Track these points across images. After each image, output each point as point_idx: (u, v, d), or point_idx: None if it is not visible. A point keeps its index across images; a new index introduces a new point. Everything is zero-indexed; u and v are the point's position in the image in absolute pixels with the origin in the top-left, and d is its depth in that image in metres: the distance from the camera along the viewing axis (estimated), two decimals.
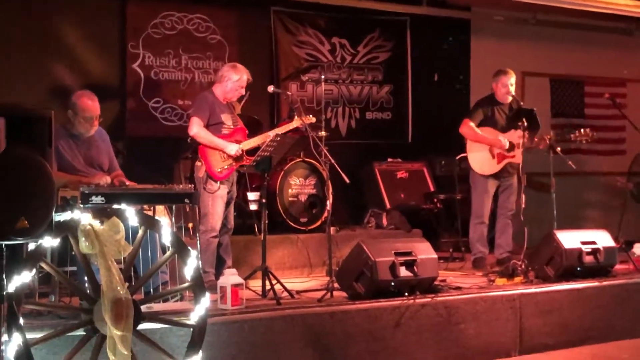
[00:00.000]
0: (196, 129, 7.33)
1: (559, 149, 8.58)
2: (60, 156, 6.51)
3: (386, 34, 11.13)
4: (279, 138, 7.23)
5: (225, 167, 7.37)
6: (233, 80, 7.51)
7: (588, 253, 7.82)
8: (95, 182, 6.29)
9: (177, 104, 9.67)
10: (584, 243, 7.85)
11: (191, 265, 5.12)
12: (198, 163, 7.44)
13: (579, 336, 7.46)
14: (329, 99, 10.66)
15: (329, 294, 6.83)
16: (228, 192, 7.46)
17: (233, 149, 7.35)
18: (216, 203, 7.32)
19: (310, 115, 7.95)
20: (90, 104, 6.74)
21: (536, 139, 8.54)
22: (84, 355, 4.92)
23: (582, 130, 8.84)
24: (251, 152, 7.51)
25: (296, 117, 7.80)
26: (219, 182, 7.34)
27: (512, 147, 8.52)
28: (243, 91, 7.63)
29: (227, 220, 7.54)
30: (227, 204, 7.51)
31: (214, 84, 7.73)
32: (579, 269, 7.77)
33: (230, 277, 6.39)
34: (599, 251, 7.86)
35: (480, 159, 8.65)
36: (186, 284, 5.22)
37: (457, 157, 9.37)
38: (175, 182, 8.51)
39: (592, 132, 8.84)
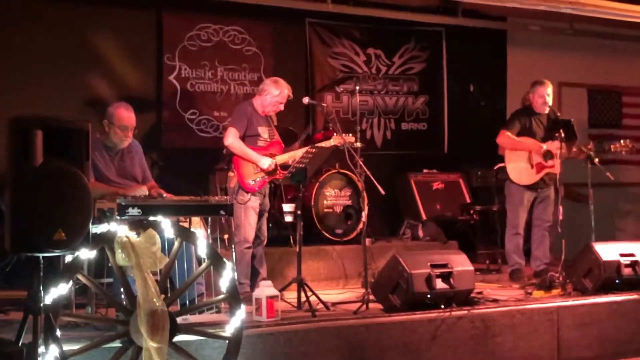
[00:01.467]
0: (231, 139, 7.35)
1: (597, 160, 8.50)
2: (94, 167, 6.55)
3: (421, 44, 11.09)
4: (314, 150, 7.22)
5: (257, 179, 7.38)
6: (273, 95, 7.52)
7: (627, 265, 7.73)
8: (131, 194, 6.31)
9: (212, 115, 9.70)
10: (622, 255, 7.77)
11: (226, 277, 5.13)
12: (231, 174, 7.47)
13: (617, 350, 7.37)
14: (364, 110, 10.64)
15: (364, 306, 6.80)
16: (260, 204, 7.47)
17: (266, 162, 7.36)
18: (248, 214, 7.33)
19: (350, 135, 7.89)
20: (127, 114, 6.79)
21: (575, 150, 8.47)
22: None
23: (621, 141, 8.76)
24: (285, 166, 7.51)
25: (335, 134, 7.75)
26: (249, 194, 7.34)
27: (550, 155, 8.45)
28: (282, 107, 7.65)
29: (260, 232, 7.54)
30: (260, 216, 7.51)
31: (254, 96, 7.74)
32: (617, 281, 7.69)
33: (265, 288, 6.39)
34: (638, 263, 7.78)
35: (518, 169, 8.58)
36: (222, 296, 5.24)
37: (495, 167, 9.32)
38: (210, 194, 8.58)
39: (631, 143, 8.75)
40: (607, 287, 7.64)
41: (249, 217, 7.33)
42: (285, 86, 7.60)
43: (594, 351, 7.26)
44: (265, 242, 7.67)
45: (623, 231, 11.75)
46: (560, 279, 7.66)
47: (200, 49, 9.65)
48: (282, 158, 7.54)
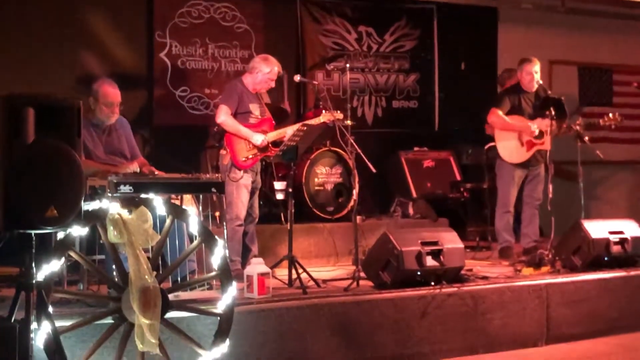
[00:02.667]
0: (223, 116, 7.35)
1: (586, 138, 8.52)
2: (82, 144, 6.54)
3: (413, 22, 11.09)
4: (305, 128, 7.23)
5: (250, 156, 7.38)
6: (264, 72, 7.52)
7: (615, 243, 7.77)
8: (122, 171, 6.32)
9: (203, 93, 9.69)
10: (611, 233, 7.80)
11: (218, 254, 5.15)
12: (223, 151, 7.47)
13: (606, 326, 7.41)
14: (355, 87, 10.64)
15: (355, 283, 6.84)
16: (252, 182, 7.48)
17: (259, 139, 7.36)
18: (240, 192, 7.34)
19: (339, 112, 7.91)
20: (112, 90, 6.78)
21: (564, 128, 8.49)
22: (112, 343, 4.97)
23: (610, 115, 8.76)
24: (276, 143, 7.52)
25: (324, 111, 7.76)
26: (242, 171, 7.35)
27: (540, 134, 8.47)
28: (273, 84, 7.64)
29: (252, 210, 7.56)
30: (252, 194, 7.53)
31: (244, 73, 7.73)
32: (606, 258, 7.73)
33: (257, 266, 6.41)
34: (626, 241, 7.82)
35: (509, 148, 8.60)
36: (213, 273, 5.25)
37: (486, 147, 9.35)
38: (201, 171, 8.60)
39: (620, 116, 8.76)
40: (596, 265, 7.68)
41: (240, 195, 7.34)
42: (275, 63, 7.59)
43: (583, 328, 7.30)
44: (257, 219, 7.69)
45: (612, 209, 11.80)
46: (550, 256, 7.69)
47: (191, 26, 9.64)
48: (273, 135, 7.54)
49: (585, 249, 7.69)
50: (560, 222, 7.96)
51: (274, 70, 7.55)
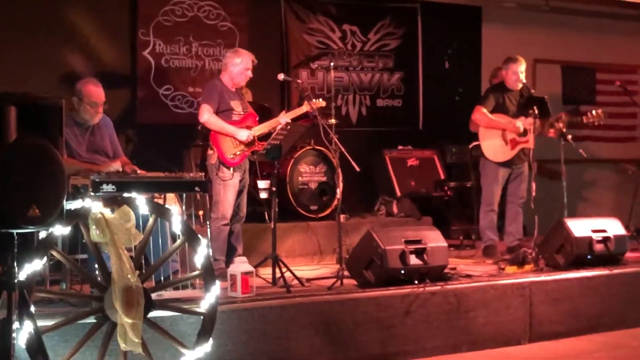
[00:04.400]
0: (207, 115, 7.33)
1: (569, 136, 8.55)
2: (65, 143, 6.49)
3: (397, 21, 11.10)
4: (289, 127, 7.22)
5: (238, 153, 7.36)
6: (236, 64, 7.48)
7: (598, 241, 7.80)
8: (105, 170, 6.29)
9: (187, 91, 9.68)
10: (594, 231, 7.83)
11: (201, 254, 5.14)
12: (210, 151, 7.43)
13: (588, 324, 7.46)
14: (340, 86, 10.65)
15: (338, 282, 6.84)
16: (240, 181, 7.46)
17: (244, 134, 7.34)
18: (228, 191, 7.33)
19: (320, 99, 7.91)
20: (95, 90, 6.74)
21: (547, 127, 8.51)
22: (95, 342, 4.96)
23: (593, 112, 8.79)
24: (263, 137, 7.51)
25: (305, 102, 7.75)
26: (232, 169, 7.33)
27: (525, 132, 8.49)
28: (249, 73, 7.58)
29: (239, 209, 7.54)
30: (240, 193, 7.51)
31: (221, 72, 7.71)
32: (589, 257, 7.76)
33: (240, 265, 6.40)
34: (609, 239, 7.85)
35: (493, 146, 8.62)
36: (196, 272, 5.24)
37: (470, 146, 9.36)
38: (185, 170, 8.59)
39: (603, 113, 8.78)
40: (578, 263, 7.71)
41: (227, 194, 7.32)
42: (245, 53, 7.57)
43: (566, 326, 7.33)
44: (244, 219, 7.67)
45: (595, 207, 11.84)
46: (533, 254, 7.71)
47: (174, 24, 9.62)
48: (258, 129, 7.52)
49: (568, 248, 7.72)
50: (544, 220, 7.99)
51: (246, 59, 7.50)
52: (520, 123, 8.49)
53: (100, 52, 9.11)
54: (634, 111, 12.10)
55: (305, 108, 7.71)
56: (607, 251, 7.84)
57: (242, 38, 9.92)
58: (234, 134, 7.34)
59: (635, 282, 7.82)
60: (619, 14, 12.24)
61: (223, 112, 7.40)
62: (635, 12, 12.33)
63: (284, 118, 7.56)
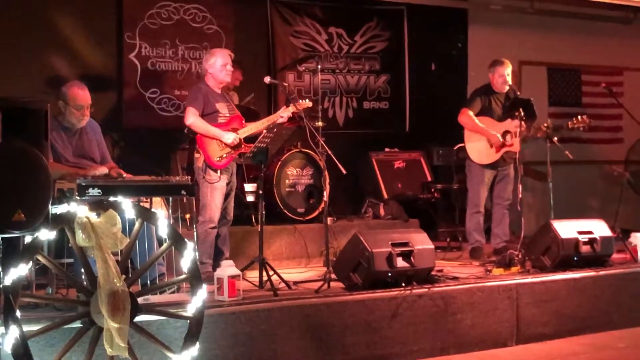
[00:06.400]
0: (192, 118, 7.32)
1: (555, 138, 8.58)
2: (51, 147, 6.47)
3: (383, 23, 11.11)
4: (275, 129, 7.22)
5: (224, 155, 7.34)
6: (211, 63, 7.46)
7: (585, 243, 7.82)
8: (91, 174, 6.27)
9: (173, 94, 9.65)
10: (580, 233, 7.85)
11: (188, 257, 5.12)
12: (197, 154, 7.42)
13: (575, 326, 7.47)
14: (326, 88, 10.65)
15: (326, 284, 6.83)
16: (228, 184, 7.45)
17: (230, 137, 7.33)
18: (215, 194, 7.32)
19: (307, 100, 7.91)
20: (81, 93, 6.70)
21: (533, 129, 8.54)
22: (81, 347, 4.94)
23: (579, 117, 8.82)
24: (249, 139, 7.49)
25: (292, 104, 7.73)
26: (219, 172, 7.32)
27: (505, 138, 8.50)
28: (230, 68, 7.52)
29: (226, 212, 7.53)
30: (227, 195, 7.50)
31: (205, 76, 7.68)
32: (575, 258, 7.78)
33: (227, 268, 6.39)
34: (595, 241, 7.87)
35: (478, 149, 8.63)
36: (183, 276, 5.23)
37: (455, 147, 9.38)
38: (172, 173, 8.58)
39: (589, 119, 8.82)
40: (565, 265, 7.73)
41: (214, 197, 7.31)
42: (218, 50, 7.63)
43: (553, 327, 7.35)
44: (231, 222, 7.66)
45: (581, 209, 11.88)
46: (520, 256, 7.72)
47: (160, 27, 9.59)
48: (244, 132, 7.50)
49: (554, 249, 7.73)
50: (530, 222, 8.02)
51: (219, 55, 7.47)
52: (499, 136, 8.49)
53: (86, 56, 9.08)
54: (620, 113, 12.13)
55: (291, 109, 7.69)
56: (593, 253, 7.86)
57: (228, 41, 9.91)
58: (219, 136, 7.33)
59: (622, 284, 7.84)
60: (605, 16, 12.28)
61: (209, 114, 7.38)
62: (620, 14, 12.39)
63: (286, 112, 7.55)
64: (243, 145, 7.43)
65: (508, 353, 6.97)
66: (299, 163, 9.14)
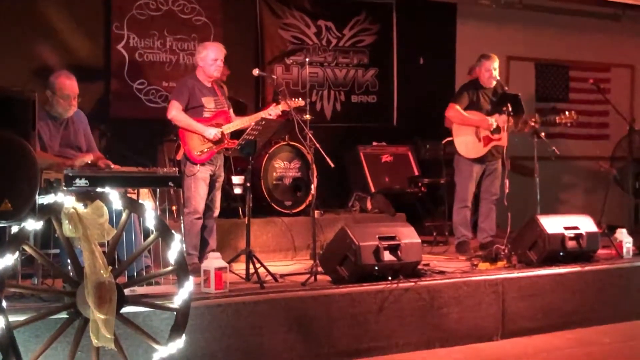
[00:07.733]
0: (174, 112, 7.31)
1: (542, 134, 8.60)
2: (38, 137, 6.44)
3: (372, 17, 11.10)
4: (263, 122, 7.21)
5: (205, 150, 7.33)
6: (203, 56, 7.46)
7: (571, 238, 7.84)
8: (78, 164, 6.24)
9: (161, 85, 9.62)
10: (566, 228, 7.87)
11: (175, 249, 5.12)
12: (178, 147, 7.42)
13: (561, 321, 7.49)
14: (314, 82, 10.63)
15: (312, 277, 6.84)
16: (212, 175, 7.44)
17: (211, 132, 7.31)
18: (198, 185, 7.31)
19: (300, 99, 7.90)
20: (69, 82, 6.67)
21: (521, 123, 8.55)
22: (67, 338, 4.93)
23: (566, 112, 8.85)
24: (236, 134, 7.48)
25: (282, 101, 7.72)
26: (198, 165, 7.31)
27: (497, 129, 8.53)
28: (220, 63, 7.51)
29: (212, 203, 7.51)
30: (213, 187, 7.49)
31: (196, 69, 7.67)
32: (561, 254, 7.80)
33: (213, 260, 6.38)
34: (581, 236, 7.90)
35: (466, 143, 8.65)
36: (170, 268, 5.22)
37: (443, 142, 9.39)
38: (159, 164, 8.55)
39: (576, 114, 8.85)
40: (551, 260, 7.75)
41: (198, 188, 7.30)
42: (211, 44, 7.63)
43: (538, 322, 7.37)
44: (217, 213, 7.65)
45: (568, 204, 11.93)
46: (506, 251, 7.74)
47: (149, 18, 9.56)
48: (229, 127, 7.49)
49: (540, 244, 7.75)
50: (517, 217, 8.03)
51: (212, 50, 7.47)
52: (494, 120, 8.53)
53: (74, 46, 9.04)
54: (607, 109, 12.15)
55: (282, 107, 7.67)
56: (579, 248, 7.89)
57: (216, 33, 9.88)
58: (201, 131, 7.31)
59: (607, 279, 7.88)
60: (593, 11, 12.32)
61: (193, 108, 7.37)
62: (609, 11, 12.41)
63: (256, 116, 7.54)
64: (227, 141, 7.41)
65: (493, 347, 6.98)
66: (286, 156, 9.13)
